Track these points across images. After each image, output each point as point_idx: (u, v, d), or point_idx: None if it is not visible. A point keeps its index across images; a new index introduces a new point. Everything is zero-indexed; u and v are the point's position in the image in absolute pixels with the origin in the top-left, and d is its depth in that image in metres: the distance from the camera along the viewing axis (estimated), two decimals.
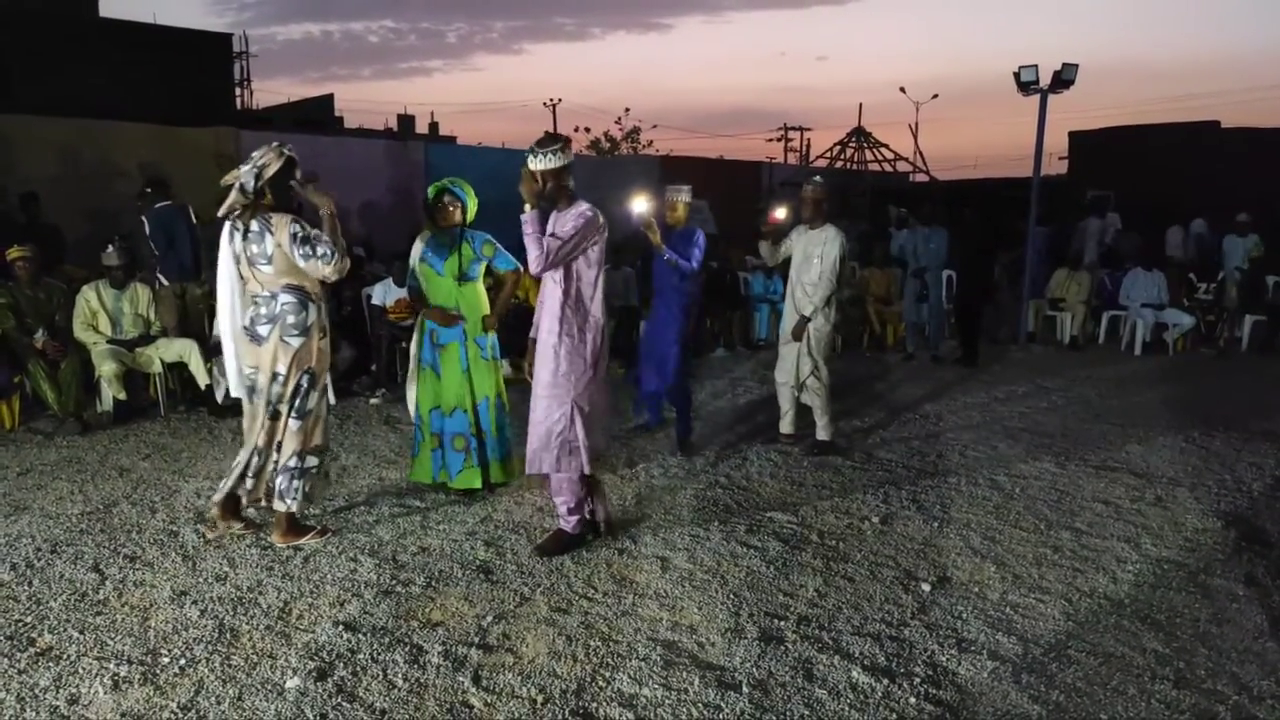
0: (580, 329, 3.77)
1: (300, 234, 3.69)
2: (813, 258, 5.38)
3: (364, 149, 13.11)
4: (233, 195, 3.71)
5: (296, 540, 3.93)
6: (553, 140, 3.70)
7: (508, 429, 4.68)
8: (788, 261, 5.62)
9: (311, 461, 3.93)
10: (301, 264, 3.71)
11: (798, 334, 5.44)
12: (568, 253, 3.66)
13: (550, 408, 3.78)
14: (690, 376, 5.81)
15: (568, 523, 3.94)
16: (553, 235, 3.65)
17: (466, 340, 4.51)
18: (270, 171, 3.70)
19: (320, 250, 3.71)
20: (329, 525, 4.15)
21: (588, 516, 4.03)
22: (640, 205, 5.12)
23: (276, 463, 3.88)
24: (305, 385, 3.83)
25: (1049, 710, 2.76)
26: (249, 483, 3.89)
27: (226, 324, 3.85)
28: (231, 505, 3.98)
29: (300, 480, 3.88)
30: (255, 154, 3.72)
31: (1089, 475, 5.20)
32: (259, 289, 3.76)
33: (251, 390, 3.84)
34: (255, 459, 3.87)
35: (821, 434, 5.59)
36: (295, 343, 3.76)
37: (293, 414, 3.83)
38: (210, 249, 8.35)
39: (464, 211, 4.52)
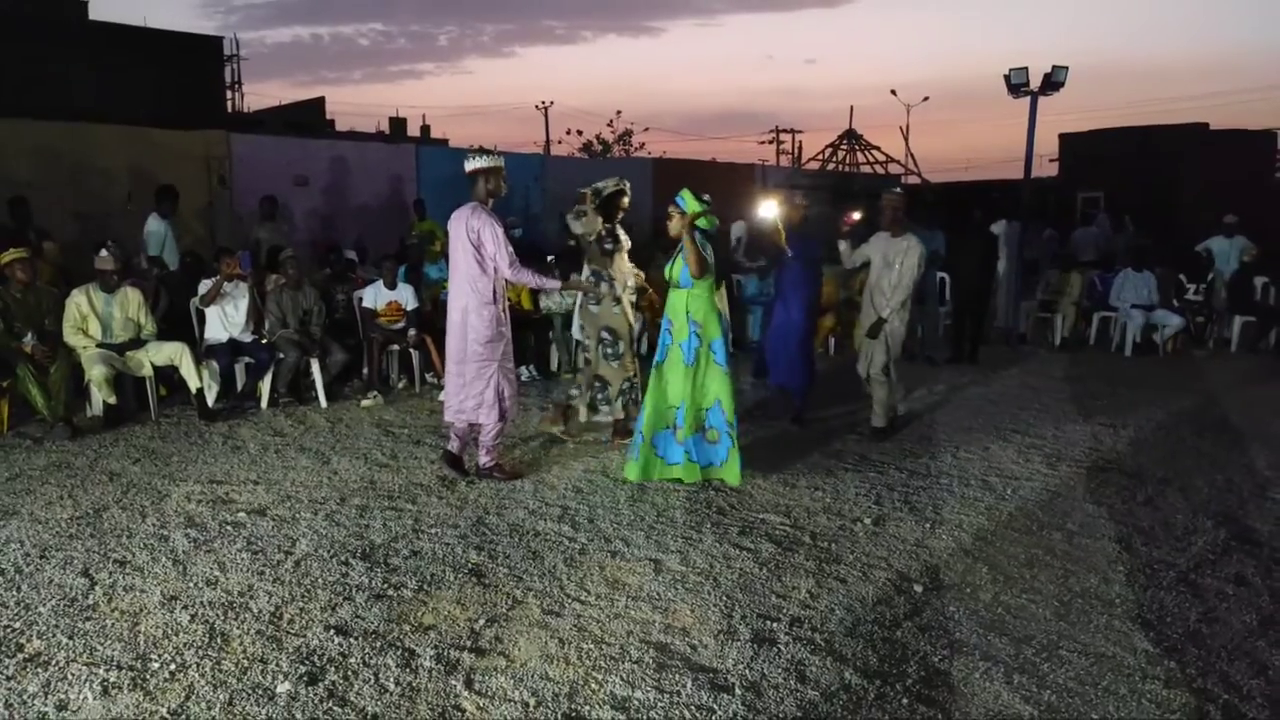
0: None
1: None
2: (894, 264, 5.80)
3: (355, 151, 13.08)
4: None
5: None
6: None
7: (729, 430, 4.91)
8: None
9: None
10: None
11: (874, 333, 5.87)
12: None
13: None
14: (813, 366, 6.43)
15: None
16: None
17: (700, 343, 4.88)
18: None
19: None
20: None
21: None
22: (769, 210, 5.67)
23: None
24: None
25: (1041, 711, 2.76)
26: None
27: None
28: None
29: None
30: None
31: (1080, 476, 5.21)
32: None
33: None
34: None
35: (877, 421, 6.03)
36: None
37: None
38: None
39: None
